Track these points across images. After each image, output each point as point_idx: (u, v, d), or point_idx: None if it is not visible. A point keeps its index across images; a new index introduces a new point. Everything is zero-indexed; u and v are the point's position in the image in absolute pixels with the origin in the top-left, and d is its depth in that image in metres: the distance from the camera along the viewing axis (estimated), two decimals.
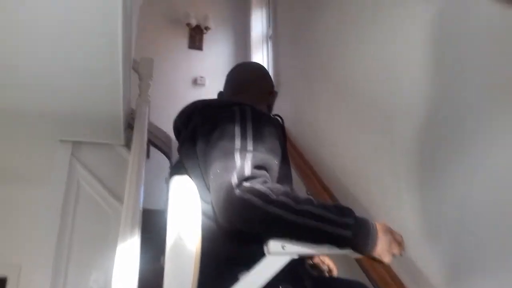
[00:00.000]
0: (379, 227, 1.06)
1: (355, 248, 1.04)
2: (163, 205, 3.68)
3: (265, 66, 4.40)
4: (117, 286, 1.97)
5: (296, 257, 1.05)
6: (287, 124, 1.44)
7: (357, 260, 1.85)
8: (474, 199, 1.42)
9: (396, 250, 1.07)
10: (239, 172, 1.01)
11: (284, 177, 1.20)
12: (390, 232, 1.08)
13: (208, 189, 1.13)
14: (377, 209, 2.02)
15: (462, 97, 1.49)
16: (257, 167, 1.05)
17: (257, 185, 0.99)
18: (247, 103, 1.28)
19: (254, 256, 1.04)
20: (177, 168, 1.30)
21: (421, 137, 1.72)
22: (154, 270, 2.83)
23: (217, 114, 1.22)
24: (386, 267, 1.67)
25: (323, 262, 1.48)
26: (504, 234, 1.30)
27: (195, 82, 4.94)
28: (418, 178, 1.73)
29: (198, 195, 1.13)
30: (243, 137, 1.10)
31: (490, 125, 1.37)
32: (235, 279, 1.04)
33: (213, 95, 5.13)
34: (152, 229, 3.06)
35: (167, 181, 3.62)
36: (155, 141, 3.67)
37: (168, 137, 3.70)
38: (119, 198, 3.06)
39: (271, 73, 4.14)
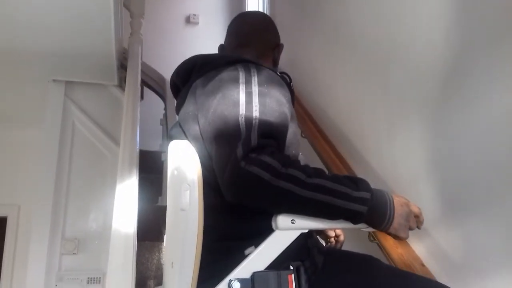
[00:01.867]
0: (396, 200, 1.00)
1: (370, 224, 0.98)
2: (159, 146, 3.77)
3: (260, 6, 4.34)
4: (117, 224, 2.07)
5: (306, 231, 0.99)
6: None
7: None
8: (467, 141, 1.44)
9: (413, 224, 1.02)
10: (245, 143, 0.92)
11: (292, 141, 1.11)
12: (407, 204, 1.02)
13: (210, 157, 1.03)
14: (371, 154, 2.08)
15: (458, 39, 1.49)
16: (264, 135, 0.95)
17: (265, 157, 0.90)
18: (251, 59, 1.17)
19: (262, 231, 0.97)
20: (175, 131, 1.18)
21: (416, 83, 1.72)
22: (152, 209, 2.96)
23: (218, 73, 1.11)
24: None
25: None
26: (494, 174, 1.32)
27: (188, 20, 4.86)
28: (411, 124, 1.74)
29: (199, 164, 1.00)
30: (248, 101, 1.00)
31: (487, 66, 1.37)
32: (242, 255, 0.98)
33: (207, 35, 5.08)
34: (149, 170, 3.18)
35: (162, 123, 3.68)
36: (149, 82, 3.66)
37: (162, 78, 3.70)
38: (115, 140, 3.10)
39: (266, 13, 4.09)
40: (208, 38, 4.69)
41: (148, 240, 2.72)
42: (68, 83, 3.16)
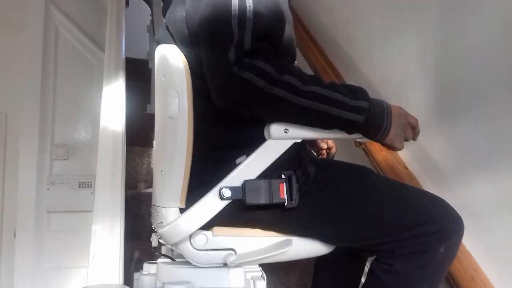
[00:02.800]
0: (394, 110, 0.94)
1: (366, 134, 0.94)
2: (147, 54, 3.62)
3: None
4: (104, 128, 2.03)
5: (299, 141, 0.95)
6: None
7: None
8: (459, 46, 1.40)
9: (409, 135, 0.98)
10: (238, 46, 0.83)
11: (288, 46, 1.02)
12: (405, 115, 0.97)
13: (200, 62, 0.93)
14: (364, 58, 2.01)
15: None
16: (259, 37, 0.86)
17: (259, 61, 0.83)
18: None
19: (254, 140, 0.93)
20: (162, 35, 1.07)
21: None
22: (141, 116, 2.91)
23: None
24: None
25: (322, 140, 1.34)
26: (482, 78, 1.30)
27: None
28: (405, 29, 1.68)
29: (188, 69, 0.94)
30: (242, 0, 0.88)
31: None
32: (233, 164, 0.94)
33: None
34: (137, 78, 3.08)
35: (149, 29, 3.51)
36: None
37: None
38: (100, 46, 2.95)
39: None
40: None
41: (137, 146, 2.71)
42: None
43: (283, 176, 0.94)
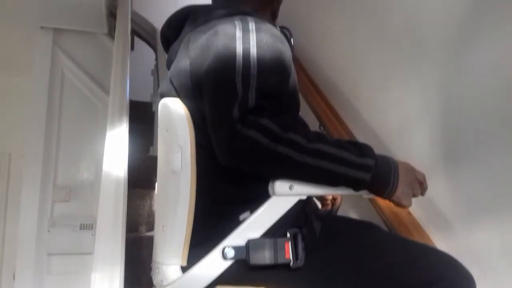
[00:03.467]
0: (401, 167, 0.91)
1: (373, 191, 0.90)
2: (150, 97, 3.62)
3: None
4: (107, 171, 1.99)
5: (304, 197, 0.91)
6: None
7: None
8: (459, 90, 1.40)
9: (417, 191, 0.94)
10: (242, 103, 0.82)
11: (293, 100, 1.00)
12: (412, 171, 0.94)
13: (204, 116, 0.91)
14: (365, 104, 2.00)
15: None
16: (263, 95, 0.85)
17: (263, 119, 0.81)
18: (248, 11, 1.04)
19: (258, 196, 0.89)
20: (166, 87, 1.05)
21: (411, 32, 1.64)
22: (144, 159, 2.88)
23: (213, 26, 0.96)
24: None
25: None
26: (483, 123, 1.29)
27: None
28: (405, 69, 1.68)
29: (192, 124, 0.91)
30: (246, 57, 0.87)
31: (482, 16, 1.30)
32: (236, 221, 0.90)
33: None
34: (140, 120, 3.06)
35: (153, 73, 3.52)
36: (140, 31, 3.47)
37: (153, 28, 3.50)
38: (105, 89, 2.96)
39: None
40: None
41: (140, 188, 2.67)
42: (57, 30, 2.97)
43: (288, 235, 0.90)
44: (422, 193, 0.97)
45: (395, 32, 1.77)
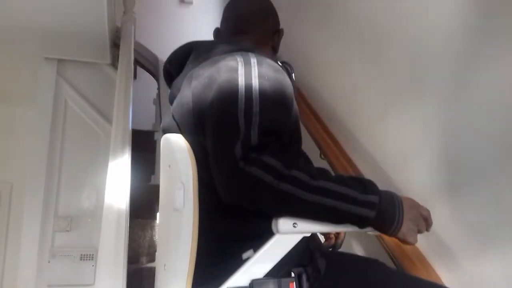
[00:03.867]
0: (405, 203, 0.89)
1: (377, 228, 0.88)
2: (152, 126, 3.61)
3: None
4: (109, 201, 1.96)
5: (308, 235, 0.89)
6: None
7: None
8: (461, 122, 1.38)
9: (422, 228, 0.92)
10: (244, 141, 0.81)
11: (296, 136, 1.00)
12: (416, 207, 0.92)
13: (206, 152, 0.90)
14: (364, 133, 1.99)
15: (455, 20, 1.40)
16: (265, 132, 0.84)
17: (266, 156, 0.80)
18: (250, 47, 1.04)
19: (261, 234, 0.87)
20: (168, 123, 1.04)
21: (410, 63, 1.64)
22: (145, 188, 2.85)
23: (216, 63, 0.96)
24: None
25: None
26: (485, 156, 1.28)
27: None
28: (404, 99, 1.67)
29: (194, 161, 0.89)
30: (248, 94, 0.86)
31: (481, 48, 1.29)
32: (239, 260, 0.87)
33: (201, 14, 4.87)
34: (142, 149, 3.05)
35: (156, 102, 3.53)
36: (142, 61, 3.49)
37: (155, 57, 3.53)
38: (107, 118, 2.97)
39: None
40: (202, 18, 4.48)
41: (141, 218, 2.63)
42: (61, 61, 3.00)
43: (292, 274, 0.87)
44: (427, 229, 0.94)
45: (393, 63, 1.77)
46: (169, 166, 0.92)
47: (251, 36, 1.16)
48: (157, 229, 2.63)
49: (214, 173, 0.85)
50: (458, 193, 1.38)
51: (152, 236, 2.62)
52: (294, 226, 0.85)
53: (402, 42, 1.71)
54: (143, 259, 2.57)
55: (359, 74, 2.06)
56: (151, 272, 2.22)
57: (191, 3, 4.63)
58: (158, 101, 3.24)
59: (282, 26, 1.29)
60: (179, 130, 0.97)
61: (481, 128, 1.29)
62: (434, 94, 1.51)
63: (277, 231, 0.86)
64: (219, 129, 0.86)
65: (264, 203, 0.83)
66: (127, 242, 1.88)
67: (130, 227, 1.93)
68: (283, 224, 0.85)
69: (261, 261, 0.86)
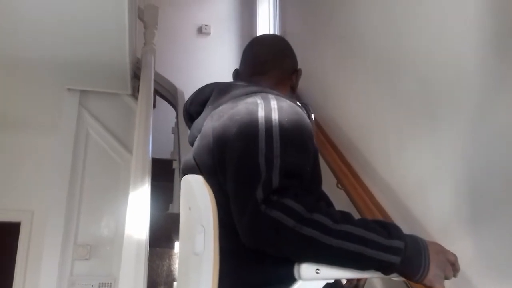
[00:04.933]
0: (431, 248, 0.85)
1: (403, 275, 0.83)
2: (171, 154, 3.60)
3: (271, 16, 4.18)
4: (130, 231, 1.94)
5: (332, 281, 0.84)
6: None
7: None
8: (477, 149, 1.34)
9: (449, 274, 0.86)
10: (265, 184, 0.78)
11: (317, 178, 0.97)
12: (443, 252, 0.87)
13: (227, 195, 0.87)
14: (380, 162, 1.94)
15: (467, 46, 1.38)
16: (286, 175, 0.81)
17: (288, 200, 0.77)
18: (269, 89, 1.02)
19: (283, 279, 0.82)
20: (189, 164, 1.01)
21: (424, 91, 1.62)
22: (163, 216, 2.82)
23: (236, 105, 0.94)
24: None
25: None
26: (503, 183, 1.23)
27: (200, 30, 4.69)
28: (419, 128, 1.64)
29: (215, 203, 0.86)
30: (268, 137, 0.84)
31: (496, 72, 1.26)
32: None
33: (218, 45, 4.93)
34: (161, 178, 3.03)
35: (174, 131, 3.52)
36: (161, 91, 3.52)
37: (174, 87, 3.55)
38: (127, 147, 2.97)
39: (277, 25, 3.93)
40: (219, 48, 4.54)
41: (159, 247, 2.59)
42: (83, 92, 3.04)
43: None
44: (455, 275, 0.88)
45: (407, 93, 1.74)
46: (190, 208, 0.89)
47: (269, 78, 1.14)
48: (174, 259, 2.58)
49: (235, 216, 0.82)
50: (476, 222, 1.34)
51: (169, 265, 2.57)
52: (317, 272, 0.80)
53: (416, 73, 1.69)
54: None
55: (375, 103, 2.03)
56: None
57: (208, 34, 4.68)
58: (176, 129, 3.23)
59: (299, 60, 1.27)
60: (199, 171, 0.94)
61: (498, 158, 1.25)
62: (449, 124, 1.48)
63: (299, 277, 0.81)
64: (240, 171, 0.83)
65: (286, 247, 0.79)
66: (146, 271, 1.85)
67: (148, 256, 1.90)
68: (306, 270, 0.80)
69: None
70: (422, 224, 1.58)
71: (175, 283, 2.58)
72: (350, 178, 2.09)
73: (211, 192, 0.87)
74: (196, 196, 0.86)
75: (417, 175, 1.64)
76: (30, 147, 3.56)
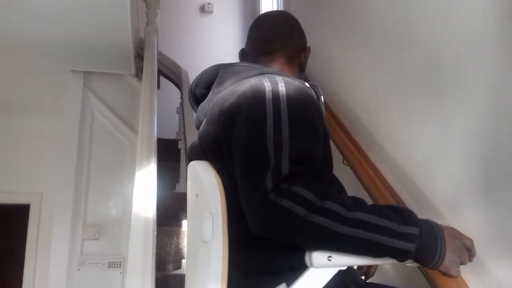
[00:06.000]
0: (447, 233, 0.80)
1: (418, 261, 0.79)
2: (176, 134, 3.55)
3: None
4: (137, 210, 1.91)
5: (344, 268, 0.81)
6: None
7: None
8: (481, 125, 1.30)
9: (465, 259, 0.82)
10: (274, 172, 0.74)
11: (328, 163, 0.92)
12: (459, 237, 0.82)
13: (235, 181, 0.82)
14: (386, 138, 1.88)
15: (476, 26, 1.31)
16: (296, 161, 0.76)
17: (298, 187, 0.72)
18: (276, 69, 0.96)
19: (294, 266, 0.79)
20: (195, 150, 0.96)
21: (431, 67, 1.56)
22: (170, 196, 2.78)
23: (242, 87, 0.88)
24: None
25: None
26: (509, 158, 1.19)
27: (202, 9, 4.57)
28: (426, 105, 1.59)
29: (223, 190, 0.82)
30: (277, 121, 0.78)
31: (504, 53, 1.19)
32: None
33: (221, 23, 4.81)
34: (166, 158, 2.99)
35: (179, 111, 3.46)
36: (165, 71, 3.44)
37: (178, 67, 3.47)
38: (132, 128, 2.92)
39: (281, 1, 3.81)
40: (223, 27, 4.43)
41: (166, 226, 2.57)
42: (86, 73, 2.96)
43: None
44: (471, 260, 0.84)
45: (413, 70, 1.68)
46: (197, 195, 0.84)
47: (277, 57, 1.07)
48: (182, 237, 2.56)
49: (243, 204, 0.77)
50: (483, 198, 1.29)
51: (178, 244, 2.56)
52: (329, 260, 0.76)
53: (423, 49, 1.63)
54: (170, 266, 2.51)
55: (380, 79, 1.97)
56: (178, 279, 2.16)
57: (211, 12, 4.56)
58: (181, 110, 3.17)
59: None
60: (205, 157, 0.89)
61: (508, 131, 1.20)
62: (456, 99, 1.42)
63: (311, 265, 0.77)
64: (248, 158, 0.78)
65: (297, 236, 0.74)
66: (154, 249, 1.83)
67: (156, 235, 1.87)
68: (318, 257, 0.76)
69: None
70: (430, 200, 1.53)
71: (183, 261, 2.57)
72: (356, 154, 2.04)
73: (218, 178, 0.82)
74: (204, 182, 0.81)
75: (424, 150, 1.59)
76: (36, 130, 3.52)
